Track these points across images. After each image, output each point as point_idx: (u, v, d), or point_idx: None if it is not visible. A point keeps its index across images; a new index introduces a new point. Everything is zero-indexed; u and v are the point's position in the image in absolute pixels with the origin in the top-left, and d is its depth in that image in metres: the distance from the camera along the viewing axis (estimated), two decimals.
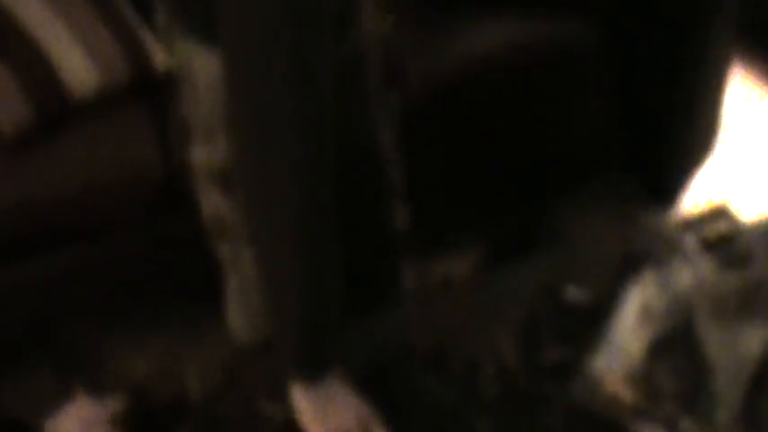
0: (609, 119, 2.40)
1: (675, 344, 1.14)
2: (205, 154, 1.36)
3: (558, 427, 1.13)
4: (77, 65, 2.03)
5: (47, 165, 1.99)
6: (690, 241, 1.29)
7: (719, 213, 1.39)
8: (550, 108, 2.31)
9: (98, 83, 2.04)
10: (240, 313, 1.54)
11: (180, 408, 1.24)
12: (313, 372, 1.15)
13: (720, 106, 2.45)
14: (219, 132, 1.27)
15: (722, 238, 1.33)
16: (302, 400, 1.16)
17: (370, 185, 1.50)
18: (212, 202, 1.40)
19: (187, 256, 2.10)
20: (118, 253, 2.08)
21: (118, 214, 2.04)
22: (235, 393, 1.23)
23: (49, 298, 2.10)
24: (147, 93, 2.12)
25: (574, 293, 1.26)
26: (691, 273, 1.18)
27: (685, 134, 2.41)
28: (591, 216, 2.26)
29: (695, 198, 2.39)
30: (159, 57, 2.11)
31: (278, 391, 1.20)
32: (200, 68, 1.26)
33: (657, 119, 2.39)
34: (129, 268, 2.12)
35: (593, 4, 2.29)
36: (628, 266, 1.23)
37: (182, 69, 1.32)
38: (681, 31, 2.28)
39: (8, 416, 1.37)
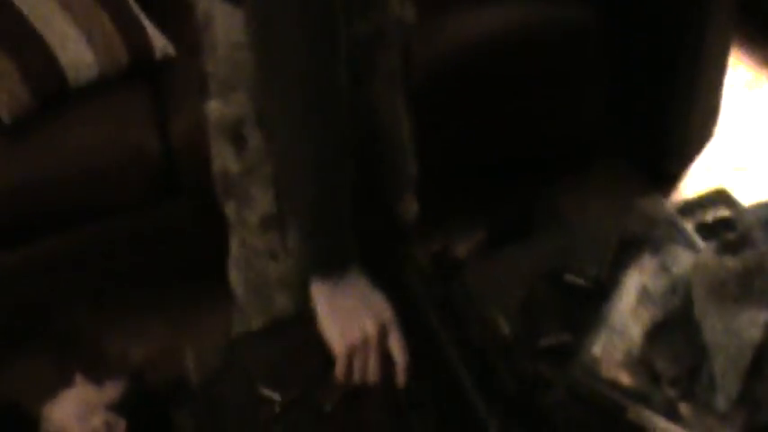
0: (609, 103, 2.39)
1: (674, 328, 1.14)
2: (219, 107, 1.38)
3: (558, 411, 1.13)
4: (76, 50, 2.03)
5: (46, 149, 1.99)
6: (689, 225, 1.29)
7: (718, 198, 1.39)
8: (550, 92, 2.30)
9: (97, 67, 2.05)
10: (240, 279, 1.55)
11: (179, 391, 1.24)
12: (331, 266, 1.15)
13: (720, 91, 2.45)
14: (234, 88, 1.32)
15: (721, 222, 1.33)
16: (321, 302, 1.16)
17: (389, 177, 1.51)
18: (221, 158, 1.42)
19: (185, 240, 2.11)
20: (116, 237, 2.08)
21: (117, 198, 2.04)
22: (233, 377, 1.23)
23: (48, 282, 2.10)
24: (146, 77, 2.12)
25: (573, 277, 1.26)
26: (689, 256, 1.18)
27: (685, 119, 2.41)
28: (590, 200, 2.26)
29: (695, 182, 2.39)
30: (158, 41, 2.11)
31: (277, 375, 1.20)
32: (221, 24, 1.29)
33: (657, 103, 2.39)
34: (128, 252, 2.12)
35: None
36: (626, 250, 1.23)
37: (204, 23, 1.34)
38: (681, 15, 2.27)
39: (7, 401, 1.37)
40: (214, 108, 1.39)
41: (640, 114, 2.43)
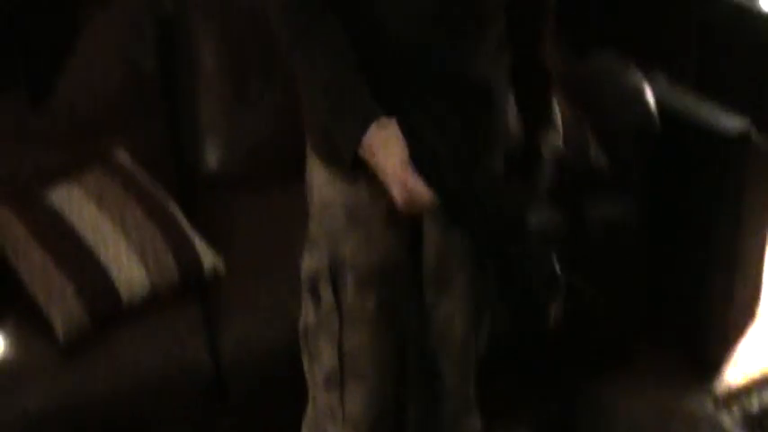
0: (649, 293, 2.41)
1: None
2: (306, 261, 1.49)
3: None
4: (130, 269, 2.09)
5: (100, 365, 2.03)
6: (734, 417, 1.28)
7: (764, 383, 1.38)
8: (591, 285, 2.33)
9: (149, 285, 2.10)
10: None
11: None
12: (354, 131, 1.27)
13: (761, 271, 2.45)
14: (317, 244, 1.44)
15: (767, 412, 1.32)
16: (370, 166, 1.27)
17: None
18: (305, 313, 1.52)
19: None
20: None
21: (167, 413, 2.06)
22: None
23: None
24: (196, 292, 2.17)
25: None
26: None
27: (725, 303, 2.40)
28: (633, 393, 2.23)
29: (740, 367, 2.35)
30: (207, 258, 2.17)
31: None
32: (316, 183, 1.43)
33: (696, 290, 2.39)
34: None
35: (625, 189, 2.36)
36: None
37: (308, 191, 1.48)
38: (716, 201, 2.32)
39: None
40: (303, 263, 1.51)
41: (681, 302, 2.43)
